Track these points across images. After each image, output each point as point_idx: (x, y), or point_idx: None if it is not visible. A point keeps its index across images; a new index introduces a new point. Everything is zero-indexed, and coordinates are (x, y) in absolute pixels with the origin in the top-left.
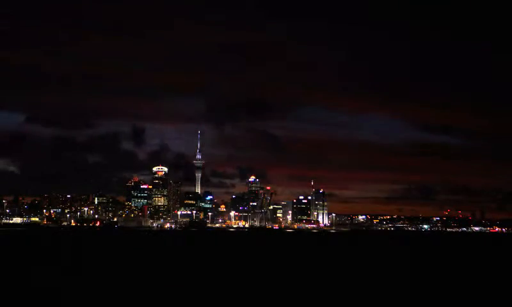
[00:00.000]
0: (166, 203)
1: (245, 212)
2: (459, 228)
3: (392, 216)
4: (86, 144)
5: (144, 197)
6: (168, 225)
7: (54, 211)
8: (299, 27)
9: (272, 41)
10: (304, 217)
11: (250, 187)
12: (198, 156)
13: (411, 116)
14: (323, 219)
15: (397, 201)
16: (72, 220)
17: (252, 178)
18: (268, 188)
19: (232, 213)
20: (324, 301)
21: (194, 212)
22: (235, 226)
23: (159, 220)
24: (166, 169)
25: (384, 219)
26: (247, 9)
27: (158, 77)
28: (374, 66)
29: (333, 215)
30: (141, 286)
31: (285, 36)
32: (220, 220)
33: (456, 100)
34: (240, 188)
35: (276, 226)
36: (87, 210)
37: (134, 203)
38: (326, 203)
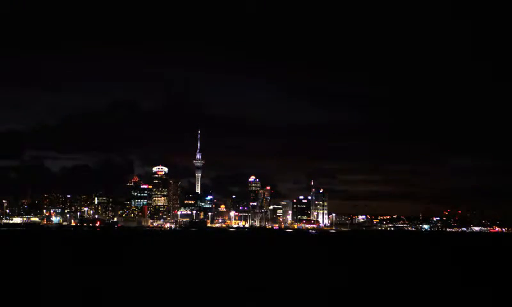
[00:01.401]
0: (166, 203)
1: (245, 212)
2: (459, 227)
3: (392, 216)
4: None
5: (144, 197)
6: (168, 225)
7: (54, 211)
8: None
9: None
10: (305, 217)
11: (250, 187)
12: (198, 156)
13: None
14: (323, 219)
15: None
16: (72, 220)
17: (252, 178)
18: (268, 188)
19: (232, 213)
20: None
21: (194, 212)
22: (235, 226)
23: (159, 220)
24: (166, 169)
25: (384, 219)
26: None
27: None
28: None
29: (333, 215)
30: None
31: None
32: (220, 220)
33: None
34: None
35: (276, 226)
36: (87, 210)
37: (134, 203)
38: (325, 203)
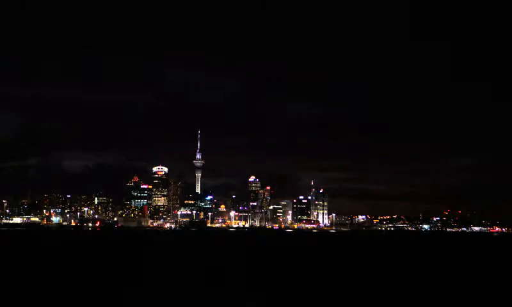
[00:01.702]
0: (166, 203)
1: (245, 212)
2: (459, 228)
3: (392, 216)
4: None
5: (144, 197)
6: (168, 225)
7: (54, 211)
8: None
9: None
10: (304, 217)
11: (250, 187)
12: (198, 156)
13: None
14: (323, 219)
15: None
16: (72, 220)
17: (252, 178)
18: (268, 188)
19: (232, 213)
20: None
21: (194, 212)
22: (235, 226)
23: (159, 220)
24: (166, 169)
25: (384, 219)
26: None
27: None
28: None
29: (333, 215)
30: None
31: None
32: (220, 220)
33: None
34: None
35: (276, 226)
36: (87, 210)
37: (134, 203)
38: (325, 203)
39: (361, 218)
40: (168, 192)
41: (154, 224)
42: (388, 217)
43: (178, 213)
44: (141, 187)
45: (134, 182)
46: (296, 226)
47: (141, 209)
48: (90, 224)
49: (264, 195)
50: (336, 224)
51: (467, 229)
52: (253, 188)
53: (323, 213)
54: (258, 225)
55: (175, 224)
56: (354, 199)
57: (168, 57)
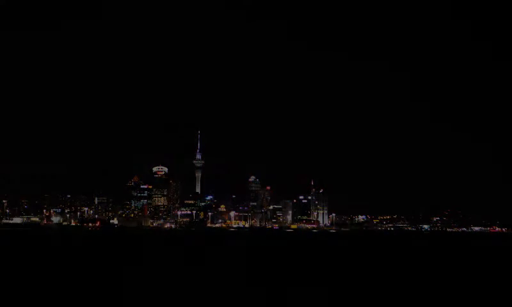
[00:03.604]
0: (166, 203)
1: (245, 212)
2: (459, 228)
3: (392, 216)
4: None
5: (144, 197)
6: (168, 225)
7: (54, 211)
8: None
9: None
10: (305, 217)
11: (250, 187)
12: (198, 156)
13: None
14: (323, 219)
15: None
16: (72, 220)
17: (252, 178)
18: (268, 188)
19: (232, 213)
20: None
21: (194, 212)
22: (235, 226)
23: (159, 220)
24: (166, 169)
25: (384, 219)
26: None
27: None
28: None
29: (333, 215)
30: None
31: None
32: (220, 221)
33: None
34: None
35: (276, 226)
36: (87, 210)
37: (134, 203)
38: (326, 203)
39: (361, 218)
40: (168, 192)
41: (154, 224)
42: (388, 217)
43: (178, 213)
44: (141, 187)
45: (134, 182)
46: (296, 226)
47: (141, 209)
48: (90, 224)
49: (263, 195)
50: (336, 224)
51: (467, 229)
52: (253, 189)
53: (323, 213)
54: (258, 225)
55: (175, 224)
56: (354, 199)
57: (169, 59)
